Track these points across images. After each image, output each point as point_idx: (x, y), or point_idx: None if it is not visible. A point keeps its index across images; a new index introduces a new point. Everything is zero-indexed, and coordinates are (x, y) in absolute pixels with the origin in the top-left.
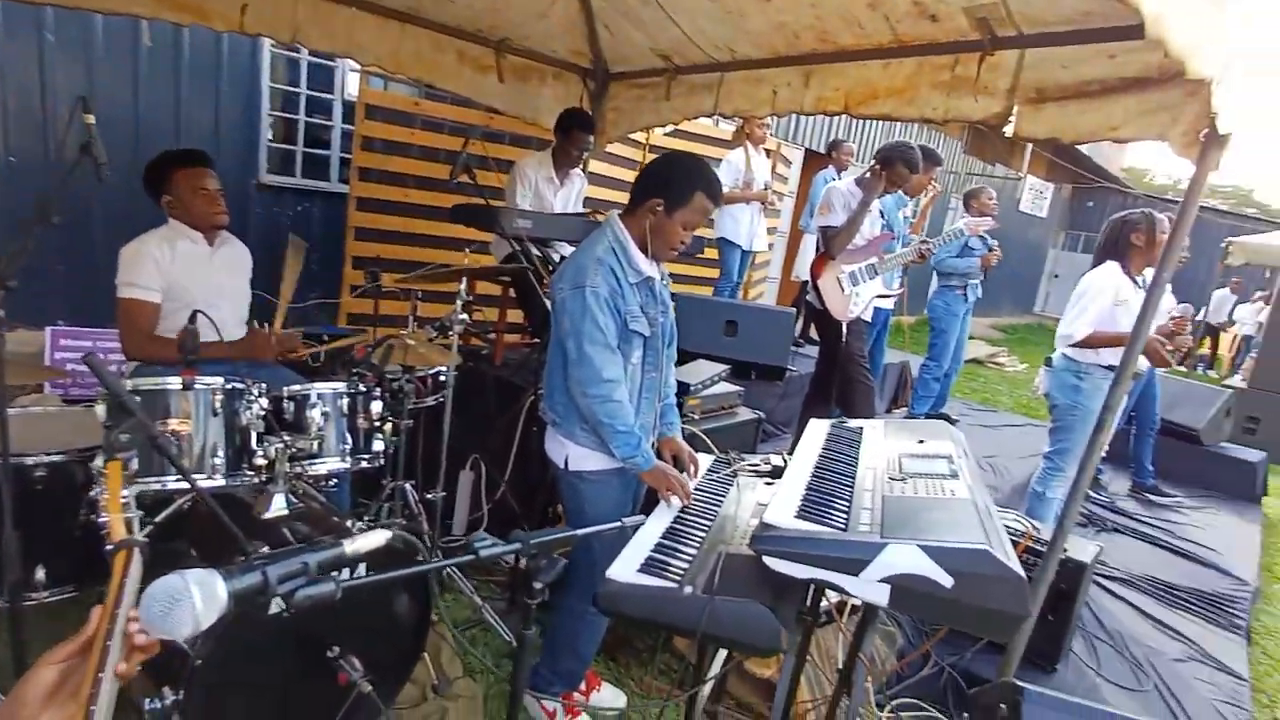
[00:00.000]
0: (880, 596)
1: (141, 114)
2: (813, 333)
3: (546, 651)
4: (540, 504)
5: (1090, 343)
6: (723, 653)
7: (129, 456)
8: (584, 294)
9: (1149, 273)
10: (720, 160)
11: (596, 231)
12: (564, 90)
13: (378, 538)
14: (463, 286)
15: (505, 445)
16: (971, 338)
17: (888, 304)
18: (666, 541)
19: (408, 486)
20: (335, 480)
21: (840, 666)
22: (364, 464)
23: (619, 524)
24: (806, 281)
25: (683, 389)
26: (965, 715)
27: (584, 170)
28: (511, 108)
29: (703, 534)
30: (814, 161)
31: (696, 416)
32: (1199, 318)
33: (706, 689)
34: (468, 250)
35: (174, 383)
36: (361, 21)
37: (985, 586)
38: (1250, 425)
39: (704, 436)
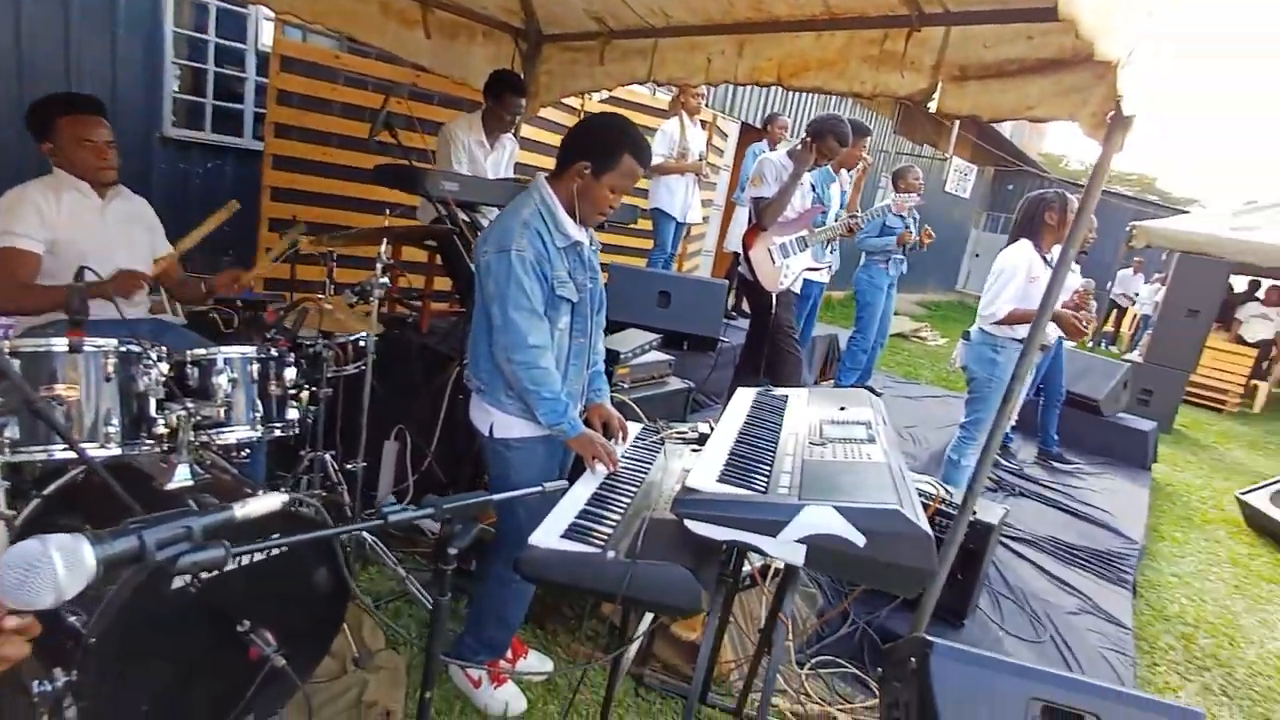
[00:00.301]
0: (797, 556)
1: (25, 54)
2: (745, 305)
3: (472, 620)
4: (467, 474)
5: (1010, 320)
6: (649, 616)
7: (4, 423)
8: (509, 257)
9: (1059, 250)
10: (656, 130)
11: (523, 194)
12: (495, 50)
13: (271, 501)
14: (383, 249)
15: (431, 415)
16: (897, 313)
17: (819, 277)
18: (592, 508)
19: (327, 457)
20: (248, 451)
21: (762, 627)
22: (278, 433)
23: (539, 489)
24: (739, 253)
25: (612, 357)
26: (879, 670)
27: (516, 135)
28: (439, 66)
29: (628, 500)
30: (750, 135)
31: (626, 385)
32: (1108, 290)
33: (632, 650)
34: (389, 212)
35: (60, 344)
36: None
37: (895, 544)
38: (1144, 397)
39: (633, 405)
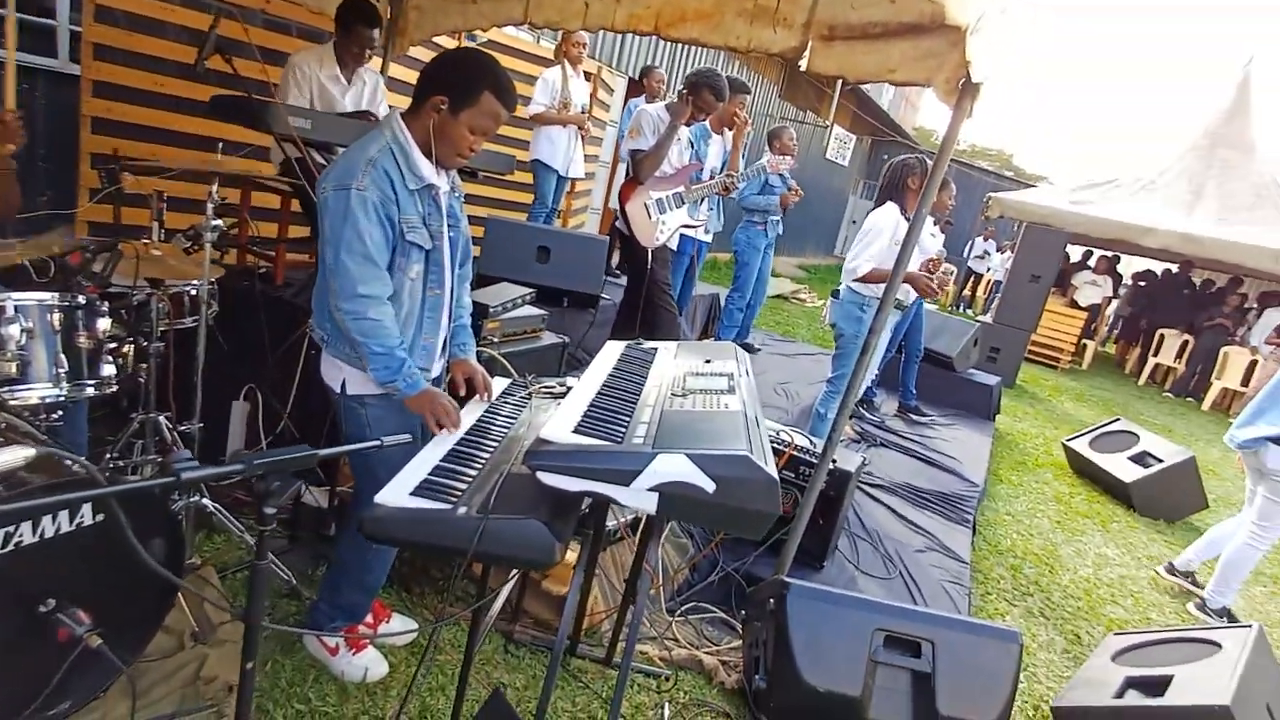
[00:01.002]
0: (649, 504)
1: None
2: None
3: (327, 586)
4: (328, 435)
5: (871, 278)
6: (515, 573)
7: None
8: (348, 195)
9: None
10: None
11: (373, 130)
12: None
13: (12, 456)
14: (214, 189)
15: (285, 372)
16: (777, 275)
17: (697, 234)
18: (448, 464)
19: (161, 419)
20: (60, 412)
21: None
22: (91, 391)
23: (377, 443)
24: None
25: (481, 311)
26: (743, 613)
27: (383, 72)
28: None
29: (488, 455)
30: (636, 91)
31: (496, 340)
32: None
33: (496, 606)
34: (221, 148)
35: None
36: None
37: (742, 489)
38: (993, 355)
39: (502, 360)
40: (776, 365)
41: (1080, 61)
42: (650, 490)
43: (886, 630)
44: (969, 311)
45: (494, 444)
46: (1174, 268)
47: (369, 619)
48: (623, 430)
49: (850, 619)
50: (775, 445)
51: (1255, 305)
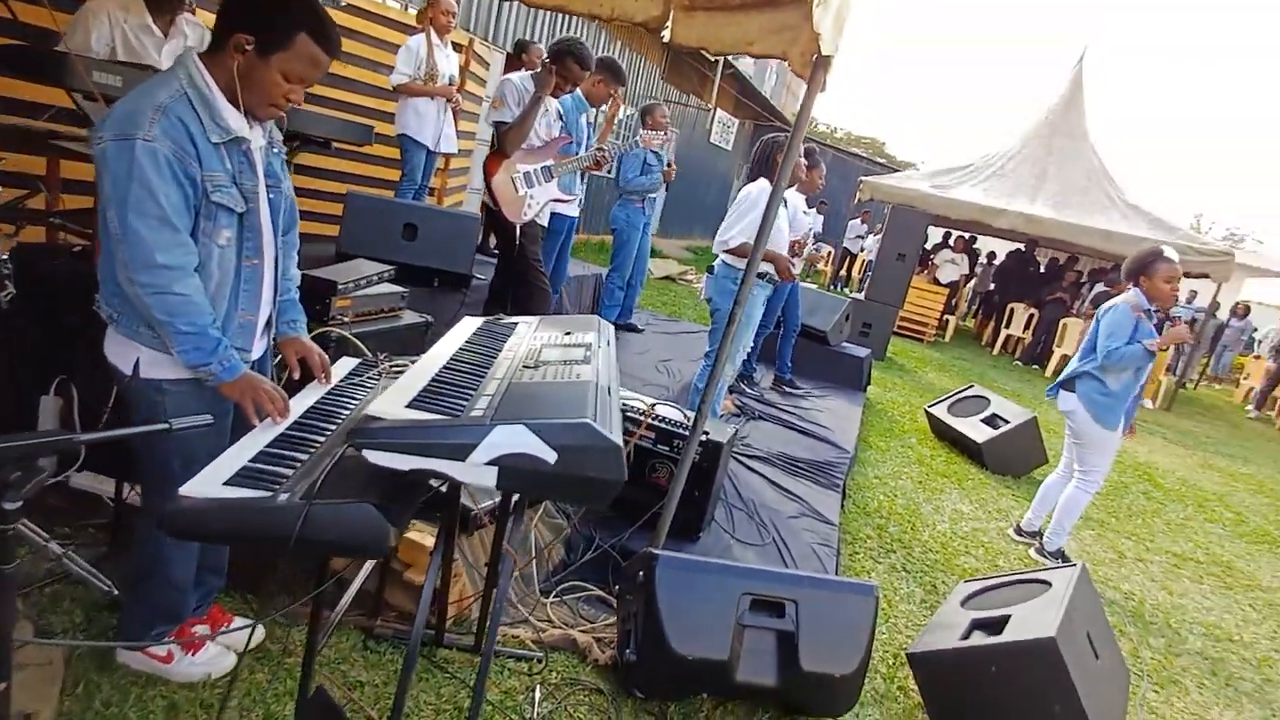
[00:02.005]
0: (488, 479)
1: None
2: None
3: (131, 591)
4: (108, 424)
5: (742, 251)
6: (368, 565)
7: None
8: (133, 148)
9: (793, 193)
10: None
11: (164, 73)
12: None
13: None
14: None
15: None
16: (665, 257)
17: (568, 210)
18: (275, 450)
19: None
20: None
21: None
22: None
23: (165, 425)
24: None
25: (328, 287)
26: (617, 589)
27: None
28: None
29: (323, 439)
30: (515, 66)
31: (348, 319)
32: (844, 238)
33: (347, 599)
34: None
35: None
36: None
37: (585, 457)
38: (865, 330)
39: (353, 339)
40: (661, 344)
41: (937, 38)
42: (488, 464)
43: (752, 594)
44: (845, 290)
45: (332, 428)
46: (1022, 247)
47: (207, 626)
48: (464, 404)
49: (718, 586)
50: (632, 415)
51: (1088, 280)
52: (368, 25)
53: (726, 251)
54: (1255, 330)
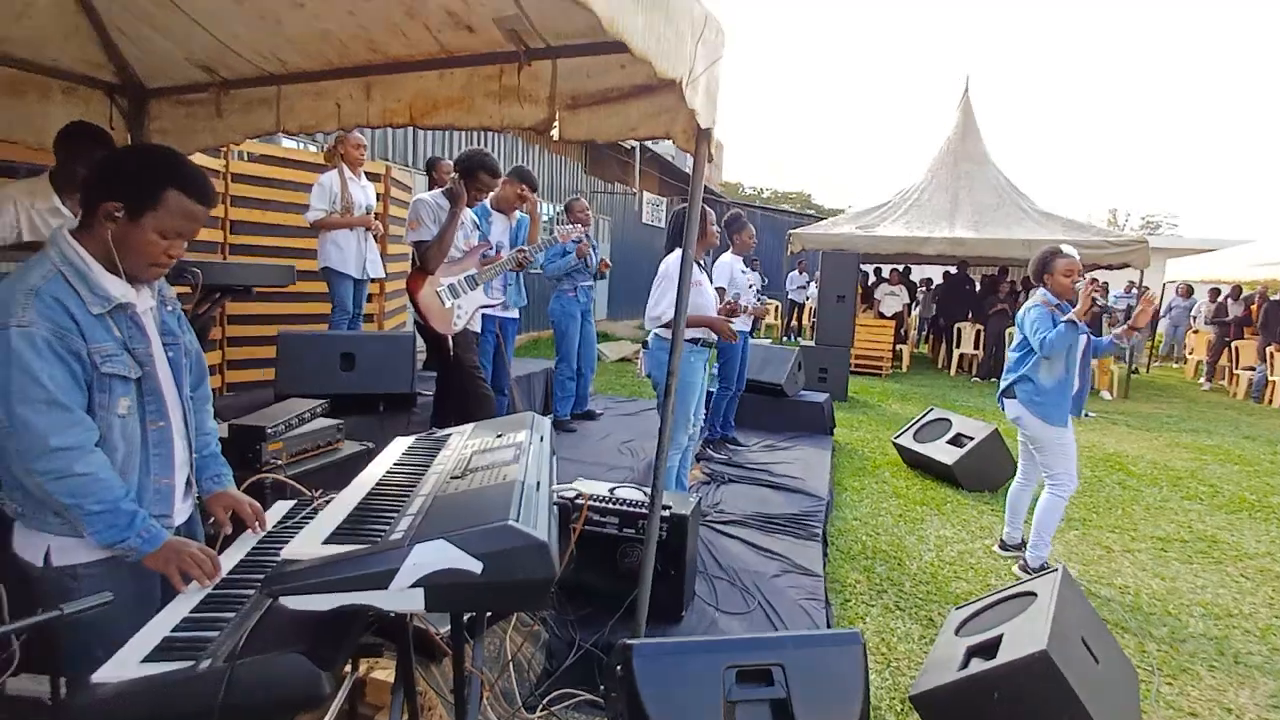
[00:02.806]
0: (415, 603)
1: None
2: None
3: None
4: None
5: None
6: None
7: None
8: (8, 336)
9: (729, 256)
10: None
11: (34, 257)
12: (84, 109)
13: None
14: None
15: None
16: (616, 339)
17: (500, 312)
18: (199, 614)
19: None
20: None
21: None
22: None
23: (56, 612)
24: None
25: (256, 434)
26: (602, 688)
27: None
28: (1, 128)
29: (251, 593)
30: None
31: (283, 460)
32: (786, 290)
33: None
34: None
35: None
36: None
37: (511, 560)
38: (822, 375)
39: (289, 480)
40: (621, 426)
41: (840, 86)
42: (413, 587)
43: (736, 666)
44: (798, 339)
45: (260, 577)
46: (953, 270)
47: None
48: (385, 529)
49: (699, 664)
50: (565, 503)
51: (1022, 288)
52: (281, 171)
53: (659, 326)
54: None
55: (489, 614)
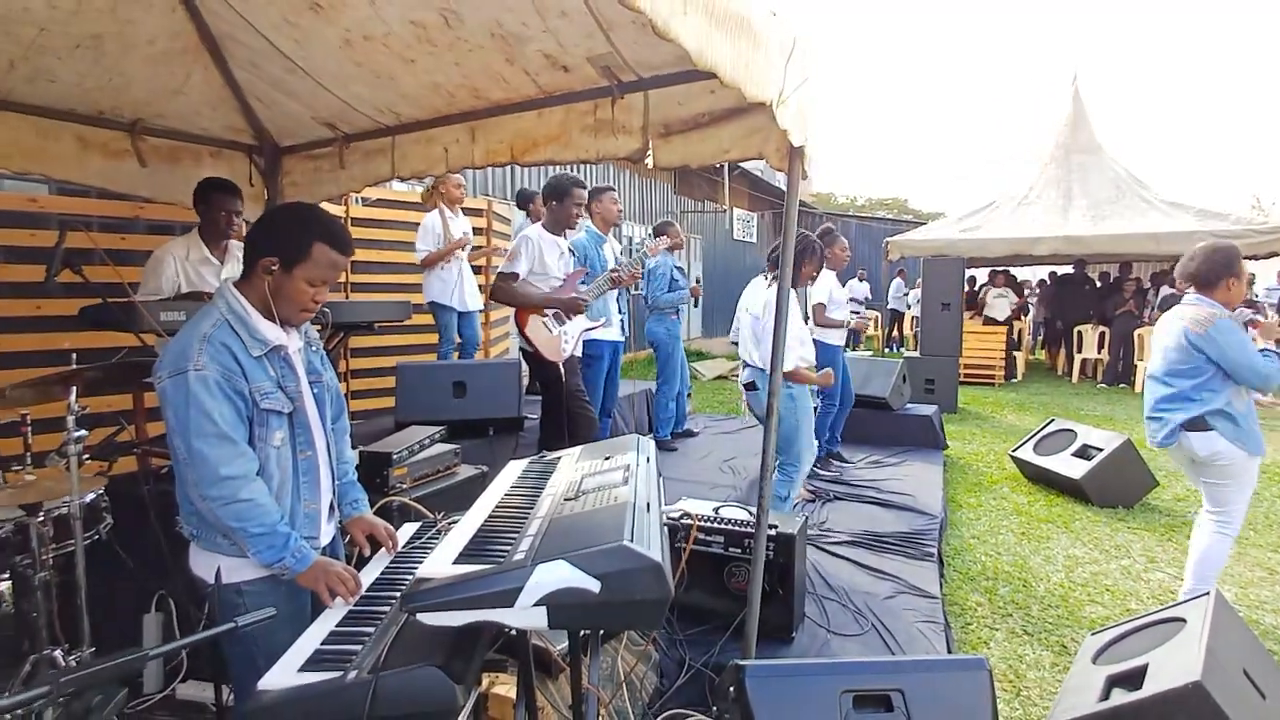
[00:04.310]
0: (538, 620)
1: None
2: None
3: None
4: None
5: (792, 376)
6: None
7: None
8: (186, 380)
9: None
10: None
11: (205, 307)
12: (228, 169)
13: None
14: (72, 399)
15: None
16: (714, 356)
17: (606, 334)
18: (344, 628)
19: (57, 654)
20: None
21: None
22: None
23: (231, 624)
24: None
25: (383, 460)
26: (714, 709)
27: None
28: (164, 194)
29: (388, 609)
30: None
31: (406, 485)
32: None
33: None
34: (74, 357)
35: None
36: None
37: (628, 580)
38: (930, 386)
39: (414, 504)
40: (722, 444)
41: (934, 88)
42: (536, 605)
43: (853, 690)
44: (902, 350)
45: (396, 594)
46: (1069, 269)
47: None
48: (508, 549)
49: (814, 687)
50: (673, 524)
51: (1150, 285)
52: (394, 213)
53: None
54: None
55: (602, 632)
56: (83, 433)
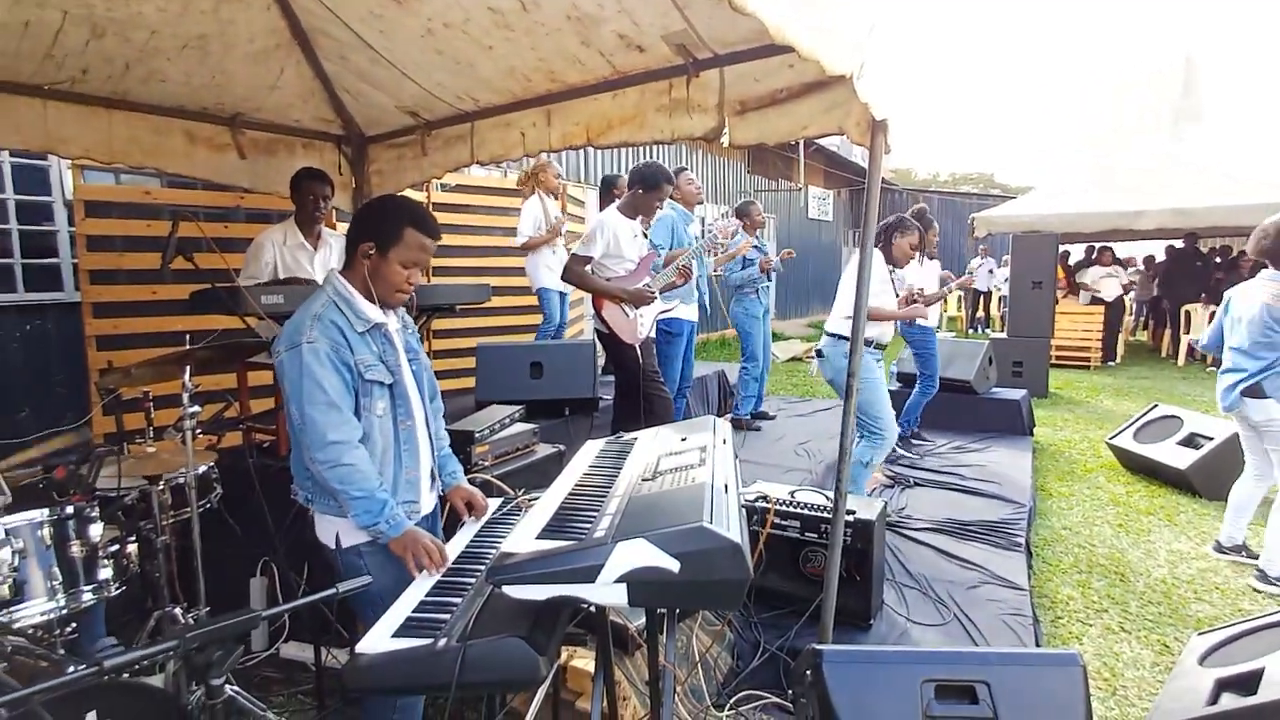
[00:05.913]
0: (619, 597)
1: None
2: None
3: None
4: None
5: (874, 316)
6: (538, 697)
7: None
8: (300, 352)
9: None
10: (511, 209)
11: (316, 290)
12: (318, 159)
13: None
14: (187, 377)
15: (298, 539)
16: (788, 337)
17: (682, 314)
18: (433, 598)
19: (177, 611)
20: (72, 625)
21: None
22: (88, 599)
23: (333, 590)
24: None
25: (467, 438)
26: (790, 692)
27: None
28: (262, 184)
29: (474, 580)
30: (607, 199)
31: (488, 462)
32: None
33: None
34: (189, 338)
35: None
36: (58, 112)
37: (707, 560)
38: (1017, 369)
39: (496, 481)
40: (796, 427)
41: (1020, 59)
42: (617, 582)
43: (935, 680)
44: (988, 331)
45: (481, 568)
46: (1178, 243)
47: None
48: (589, 527)
49: (895, 675)
50: (751, 506)
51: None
52: (473, 197)
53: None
54: None
55: (679, 611)
56: (196, 409)
